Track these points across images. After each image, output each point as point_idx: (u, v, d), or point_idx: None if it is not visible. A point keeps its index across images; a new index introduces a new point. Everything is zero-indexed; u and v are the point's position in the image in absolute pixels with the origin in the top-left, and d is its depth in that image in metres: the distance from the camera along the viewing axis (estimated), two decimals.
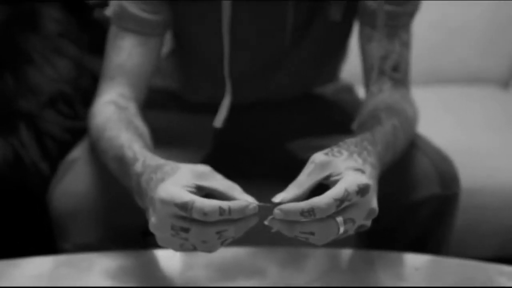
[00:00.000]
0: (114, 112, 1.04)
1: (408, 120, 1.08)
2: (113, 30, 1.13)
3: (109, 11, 1.12)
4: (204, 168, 0.84)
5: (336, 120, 1.28)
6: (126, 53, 1.11)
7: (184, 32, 1.24)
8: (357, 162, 0.85)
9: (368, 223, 0.84)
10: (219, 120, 1.10)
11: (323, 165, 0.83)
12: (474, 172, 1.52)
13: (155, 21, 1.11)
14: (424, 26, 1.94)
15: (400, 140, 1.02)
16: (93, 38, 1.35)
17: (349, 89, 1.37)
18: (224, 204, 0.78)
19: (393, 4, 1.11)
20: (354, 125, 1.09)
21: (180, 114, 1.26)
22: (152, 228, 0.83)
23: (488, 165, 1.55)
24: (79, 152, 1.11)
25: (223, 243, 0.81)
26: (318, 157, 0.84)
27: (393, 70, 1.13)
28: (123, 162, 0.94)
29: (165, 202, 0.79)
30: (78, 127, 1.21)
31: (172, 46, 1.30)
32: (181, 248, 0.82)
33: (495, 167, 1.54)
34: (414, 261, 1.00)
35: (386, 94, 1.13)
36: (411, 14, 1.14)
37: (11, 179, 1.14)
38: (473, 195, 1.49)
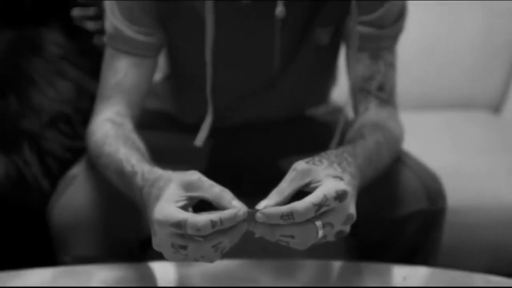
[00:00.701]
0: (111, 128, 1.08)
1: (393, 137, 1.12)
2: (108, 51, 1.17)
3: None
4: (192, 177, 0.86)
5: (327, 140, 1.32)
6: (122, 74, 1.14)
7: (175, 56, 1.28)
8: (337, 170, 0.89)
9: (347, 229, 0.88)
10: (200, 139, 1.13)
11: (304, 173, 0.87)
12: (462, 191, 1.55)
13: (149, 43, 1.15)
14: (416, 51, 1.99)
15: (384, 155, 1.05)
16: (92, 63, 1.39)
17: (340, 111, 1.41)
18: (215, 216, 0.81)
19: (375, 27, 1.16)
20: (333, 145, 1.13)
21: (173, 134, 1.29)
22: (155, 247, 0.86)
23: (476, 185, 1.58)
24: (78, 169, 1.14)
25: (221, 253, 0.84)
26: (300, 165, 0.88)
27: (378, 90, 1.17)
28: (124, 176, 0.97)
29: (161, 224, 0.83)
30: (78, 146, 1.24)
31: (166, 72, 1.34)
32: (185, 260, 0.85)
33: (483, 187, 1.58)
34: (402, 271, 1.03)
35: (372, 112, 1.17)
36: (394, 37, 1.18)
37: (14, 195, 1.17)
38: (461, 213, 1.53)
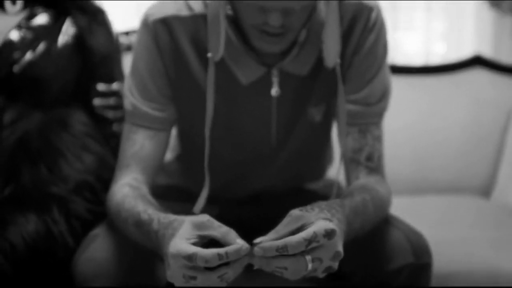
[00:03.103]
0: (129, 190, 1.20)
1: (380, 197, 1.22)
2: (127, 126, 1.30)
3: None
4: (203, 218, 1.00)
5: None
6: (139, 145, 1.28)
7: (185, 134, 1.42)
8: (326, 215, 1.02)
9: (335, 265, 0.99)
10: (198, 207, 1.25)
11: (297, 218, 1.00)
12: (452, 258, 1.63)
13: (162, 117, 1.29)
14: (406, 138, 2.11)
15: (370, 212, 1.17)
16: (112, 149, 1.53)
17: (336, 185, 1.53)
18: (221, 250, 0.94)
19: (362, 105, 1.30)
20: None
21: (182, 203, 1.35)
22: (169, 278, 0.98)
23: (464, 252, 1.66)
24: (99, 230, 1.26)
25: (226, 282, 0.96)
26: (294, 212, 1.01)
27: (367, 160, 1.30)
28: (141, 225, 1.09)
29: (175, 257, 0.95)
30: (99, 210, 1.37)
31: (177, 152, 1.47)
32: None
33: (469, 254, 1.66)
34: None
35: (362, 179, 1.30)
36: (379, 114, 1.32)
37: (43, 249, 1.28)
38: (451, 278, 1.60)
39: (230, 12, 1.24)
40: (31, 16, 1.57)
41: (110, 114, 1.60)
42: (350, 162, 1.32)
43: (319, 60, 1.27)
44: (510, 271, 1.61)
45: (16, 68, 1.50)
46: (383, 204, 1.25)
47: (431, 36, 2.98)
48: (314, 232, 0.95)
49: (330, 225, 0.98)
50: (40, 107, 1.50)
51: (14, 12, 1.58)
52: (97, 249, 1.21)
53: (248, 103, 1.30)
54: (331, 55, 1.20)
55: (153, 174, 1.31)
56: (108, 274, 1.18)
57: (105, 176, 1.42)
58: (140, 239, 1.13)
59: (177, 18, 1.26)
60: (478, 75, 2.22)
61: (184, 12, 1.27)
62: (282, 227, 1.00)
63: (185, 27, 1.26)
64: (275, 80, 1.27)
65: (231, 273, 0.96)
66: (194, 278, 0.95)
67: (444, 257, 1.56)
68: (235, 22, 1.24)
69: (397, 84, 2.12)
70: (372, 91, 1.30)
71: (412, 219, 1.33)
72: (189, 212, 1.36)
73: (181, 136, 1.43)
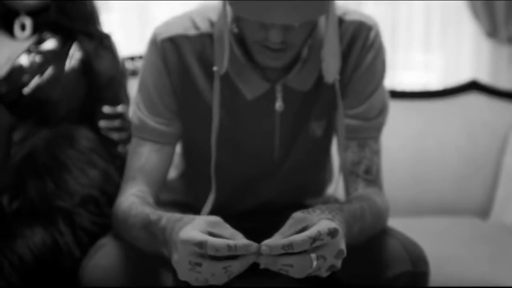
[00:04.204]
0: (136, 199, 1.25)
1: (377, 206, 1.27)
2: (134, 140, 1.35)
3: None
4: (216, 219, 1.05)
5: None
6: (145, 158, 1.32)
7: (189, 150, 1.46)
8: (328, 216, 1.07)
9: (338, 264, 1.04)
10: (204, 212, 1.29)
11: (300, 220, 1.05)
12: (448, 273, 1.67)
13: (168, 132, 1.34)
14: (404, 161, 2.15)
15: (368, 218, 1.21)
16: (117, 169, 1.58)
17: (333, 199, 1.57)
18: (232, 242, 0.98)
19: (361, 120, 1.35)
20: None
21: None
22: (174, 264, 1.02)
23: (462, 268, 1.70)
24: (106, 239, 1.30)
25: (229, 277, 1.00)
26: (297, 214, 1.06)
27: (365, 173, 1.35)
28: (150, 226, 1.14)
29: (185, 242, 1.00)
30: (104, 222, 1.42)
31: (181, 169, 1.52)
32: (196, 281, 1.01)
33: (467, 269, 1.69)
34: None
35: (360, 191, 1.35)
36: (378, 129, 1.37)
37: (50, 260, 1.33)
38: None
39: (236, 30, 1.30)
40: (40, 41, 1.64)
41: (115, 136, 1.65)
42: (349, 175, 1.36)
43: (321, 76, 1.32)
44: (508, 286, 1.63)
45: (25, 91, 1.56)
46: (380, 214, 1.29)
47: (429, 69, 3.05)
48: (318, 231, 1.00)
49: (333, 224, 1.03)
50: (48, 126, 1.57)
51: (23, 38, 1.64)
52: (103, 257, 1.25)
53: (252, 118, 1.35)
54: (331, 72, 1.25)
55: (158, 187, 1.35)
56: (114, 280, 1.22)
57: (109, 191, 1.47)
58: (146, 242, 1.17)
59: (184, 37, 1.32)
60: (475, 99, 2.27)
61: (191, 31, 1.33)
62: (286, 229, 1.05)
63: (192, 45, 1.32)
64: (278, 95, 1.32)
65: (236, 267, 1.00)
66: (199, 265, 0.99)
67: (443, 271, 1.59)
68: (240, 40, 1.30)
69: (396, 108, 2.19)
70: (371, 106, 1.35)
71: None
72: None
73: (186, 152, 1.48)
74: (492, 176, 2.20)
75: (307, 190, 1.53)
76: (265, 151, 1.39)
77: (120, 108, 1.67)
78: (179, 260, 1.02)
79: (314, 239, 0.99)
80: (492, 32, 2.92)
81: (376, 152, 1.37)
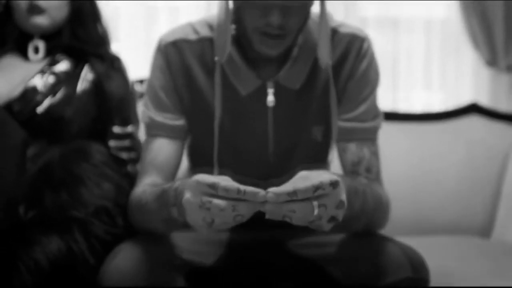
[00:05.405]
0: (149, 186, 1.34)
1: (378, 194, 1.33)
2: (146, 139, 1.46)
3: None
4: (226, 177, 1.10)
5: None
6: (155, 152, 1.42)
7: (194, 148, 1.51)
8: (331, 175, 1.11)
9: (339, 216, 1.09)
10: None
11: (305, 177, 1.10)
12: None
13: (176, 126, 1.44)
14: (406, 181, 2.17)
15: (369, 201, 1.27)
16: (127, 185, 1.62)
17: None
18: (241, 187, 1.05)
19: (358, 122, 1.41)
20: None
21: None
22: (185, 202, 1.08)
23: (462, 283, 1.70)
24: (123, 245, 1.35)
25: (235, 220, 1.06)
26: (302, 172, 1.12)
27: (366, 172, 1.41)
28: (162, 194, 1.22)
29: (199, 183, 1.06)
30: (116, 232, 1.47)
31: (188, 167, 1.59)
32: (203, 221, 1.06)
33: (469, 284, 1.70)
34: None
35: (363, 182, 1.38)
36: (374, 131, 1.44)
37: (64, 266, 1.37)
38: None
39: (233, 32, 1.42)
40: (53, 63, 1.70)
41: (124, 155, 1.70)
42: (351, 174, 1.41)
43: (310, 76, 1.43)
44: None
45: (39, 110, 1.62)
46: (382, 202, 1.35)
47: (431, 100, 3.12)
48: (320, 181, 1.07)
49: (334, 177, 1.09)
50: (60, 144, 1.63)
51: (37, 60, 1.70)
52: (122, 261, 1.30)
53: (247, 113, 1.44)
54: (324, 55, 1.37)
55: (169, 179, 1.42)
56: (131, 282, 1.27)
57: (121, 202, 1.52)
58: (158, 215, 1.25)
59: (185, 41, 1.45)
60: (475, 122, 2.32)
61: (192, 36, 1.46)
62: (291, 184, 1.10)
63: (192, 48, 1.45)
64: (270, 91, 1.43)
65: (243, 210, 1.06)
66: (209, 202, 1.05)
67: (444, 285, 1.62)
68: (237, 41, 1.42)
69: (398, 130, 2.24)
70: (366, 109, 1.45)
71: None
72: None
73: (191, 150, 1.55)
74: (493, 195, 2.23)
75: None
76: (259, 144, 1.46)
77: (129, 128, 1.74)
78: (191, 197, 1.08)
79: (316, 187, 1.05)
80: (492, 61, 2.98)
81: (375, 153, 1.44)
